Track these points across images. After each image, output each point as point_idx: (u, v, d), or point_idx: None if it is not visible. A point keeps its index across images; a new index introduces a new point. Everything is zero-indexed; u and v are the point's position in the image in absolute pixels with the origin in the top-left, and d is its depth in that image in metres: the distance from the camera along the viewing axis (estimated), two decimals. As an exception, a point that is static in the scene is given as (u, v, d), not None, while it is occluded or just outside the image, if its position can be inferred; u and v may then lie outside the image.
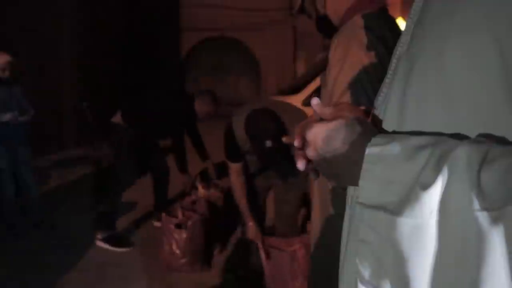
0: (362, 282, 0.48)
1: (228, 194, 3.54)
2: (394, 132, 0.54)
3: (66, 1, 6.98)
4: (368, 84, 1.19)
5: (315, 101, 0.58)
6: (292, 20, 12.23)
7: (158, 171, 3.72)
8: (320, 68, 5.56)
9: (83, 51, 7.36)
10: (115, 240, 3.34)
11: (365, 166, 0.48)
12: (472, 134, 0.46)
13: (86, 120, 6.41)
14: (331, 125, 0.52)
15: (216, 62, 13.08)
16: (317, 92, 5.07)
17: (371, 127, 0.53)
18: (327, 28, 1.48)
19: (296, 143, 0.58)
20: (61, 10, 6.91)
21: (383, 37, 1.26)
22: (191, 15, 12.08)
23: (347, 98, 1.23)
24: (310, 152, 0.54)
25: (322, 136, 0.52)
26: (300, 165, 0.59)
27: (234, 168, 2.52)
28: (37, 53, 6.27)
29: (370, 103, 0.67)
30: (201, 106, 3.43)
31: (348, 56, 1.25)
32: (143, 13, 9.88)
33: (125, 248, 3.32)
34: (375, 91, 1.17)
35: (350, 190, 0.63)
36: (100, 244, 3.31)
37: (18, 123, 3.49)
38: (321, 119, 0.56)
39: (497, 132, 0.44)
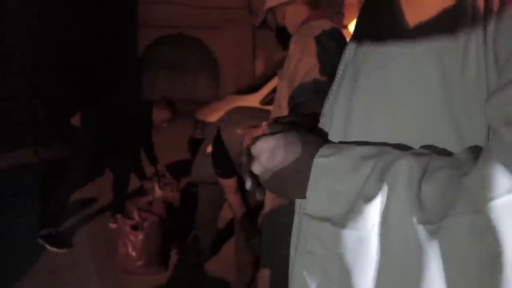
0: None
1: (184, 194, 3.52)
2: (340, 142, 0.54)
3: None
4: (323, 71, 1.39)
5: (264, 123, 0.58)
6: (251, 19, 12.24)
7: (117, 172, 3.65)
8: (278, 68, 5.59)
9: (35, 46, 7.05)
10: (53, 239, 3.24)
11: (312, 177, 0.48)
12: (415, 145, 0.47)
13: (37, 118, 6.15)
14: (275, 138, 0.52)
15: (174, 60, 12.89)
16: (275, 92, 5.10)
17: (316, 137, 0.54)
18: (285, 38, 1.68)
19: (244, 159, 0.57)
20: (12, 4, 6.59)
21: (335, 35, 1.49)
22: (149, 12, 11.85)
23: (307, 81, 1.41)
24: (256, 167, 0.54)
25: (267, 150, 0.52)
26: (247, 184, 0.58)
27: (228, 185, 2.28)
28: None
29: (326, 86, 0.68)
30: (158, 115, 3.43)
31: (306, 49, 1.45)
32: (98, 8, 9.59)
33: (62, 249, 3.21)
34: (329, 78, 1.30)
35: (297, 201, 0.63)
36: (40, 241, 3.20)
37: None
38: (266, 134, 0.55)
39: (437, 143, 0.46)
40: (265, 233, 1.82)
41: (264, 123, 0.58)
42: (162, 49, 12.67)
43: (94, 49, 9.35)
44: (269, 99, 5.07)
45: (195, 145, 5.28)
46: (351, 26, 4.45)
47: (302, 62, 1.44)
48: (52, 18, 7.61)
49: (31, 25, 6.96)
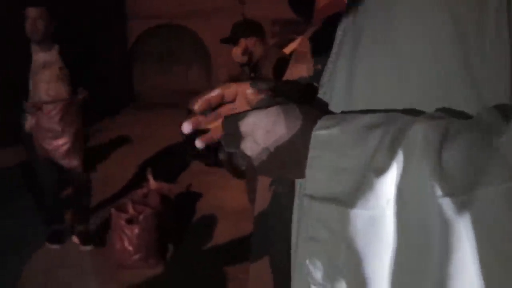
0: (315, 285, 0.42)
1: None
2: (342, 113, 0.47)
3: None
4: None
5: (250, 90, 0.50)
6: (239, 7, 12.13)
7: (75, 180, 3.32)
8: (271, 54, 5.53)
9: (16, 40, 6.92)
10: (58, 235, 3.19)
11: (311, 152, 0.42)
12: (426, 109, 0.41)
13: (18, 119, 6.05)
14: (270, 111, 0.45)
15: (165, 51, 12.79)
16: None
17: (315, 109, 0.47)
18: (304, 6, 1.62)
19: (226, 138, 0.49)
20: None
21: None
22: (138, 2, 11.73)
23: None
24: (249, 146, 0.46)
25: (262, 126, 0.45)
26: (199, 143, 0.52)
27: None
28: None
29: None
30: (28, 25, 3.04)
31: None
32: (85, 1, 9.45)
33: (56, 245, 3.15)
34: None
35: (298, 181, 0.57)
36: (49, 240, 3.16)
37: None
38: (254, 108, 0.48)
39: (452, 106, 0.40)
40: (257, 228, 1.78)
41: (250, 89, 0.50)
42: (152, 40, 12.55)
43: (82, 43, 9.22)
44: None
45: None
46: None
47: None
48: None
49: (15, 18, 6.83)
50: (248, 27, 2.85)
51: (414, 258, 0.34)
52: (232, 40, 2.80)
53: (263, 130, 0.45)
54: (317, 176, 0.41)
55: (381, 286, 0.36)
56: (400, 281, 0.35)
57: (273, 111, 0.45)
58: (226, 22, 13.43)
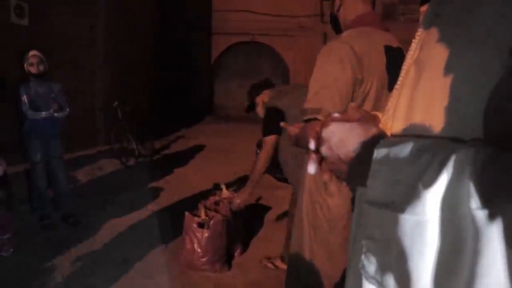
0: (367, 278, 0.50)
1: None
2: (400, 136, 0.56)
3: (101, 3, 7.20)
4: (336, 85, 1.53)
5: (353, 104, 0.61)
6: (322, 26, 12.22)
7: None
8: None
9: (117, 52, 7.57)
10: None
11: (373, 167, 0.50)
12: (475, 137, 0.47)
13: (116, 118, 6.60)
14: (348, 125, 0.55)
15: (245, 66, 13.18)
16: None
17: (380, 131, 0.56)
18: (336, 26, 1.82)
19: (312, 144, 0.61)
20: (96, 12, 7.13)
21: (361, 52, 1.55)
22: (223, 19, 12.23)
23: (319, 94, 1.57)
24: (325, 149, 0.57)
25: (338, 135, 0.55)
26: (311, 168, 0.62)
27: (268, 141, 2.76)
28: (73, 54, 6.50)
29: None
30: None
31: (326, 61, 1.60)
32: (175, 16, 10.07)
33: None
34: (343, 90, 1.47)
35: (359, 189, 0.66)
36: None
37: (53, 118, 3.63)
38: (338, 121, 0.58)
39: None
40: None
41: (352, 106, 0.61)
42: (234, 55, 13.01)
43: (170, 56, 9.82)
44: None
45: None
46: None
47: (316, 73, 1.60)
48: (131, 24, 8.10)
49: (112, 32, 7.47)
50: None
51: (450, 257, 0.41)
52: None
53: (338, 139, 0.55)
54: (377, 186, 0.49)
55: (422, 279, 0.43)
56: (437, 276, 0.42)
57: (350, 126, 0.56)
58: (307, 41, 13.41)
